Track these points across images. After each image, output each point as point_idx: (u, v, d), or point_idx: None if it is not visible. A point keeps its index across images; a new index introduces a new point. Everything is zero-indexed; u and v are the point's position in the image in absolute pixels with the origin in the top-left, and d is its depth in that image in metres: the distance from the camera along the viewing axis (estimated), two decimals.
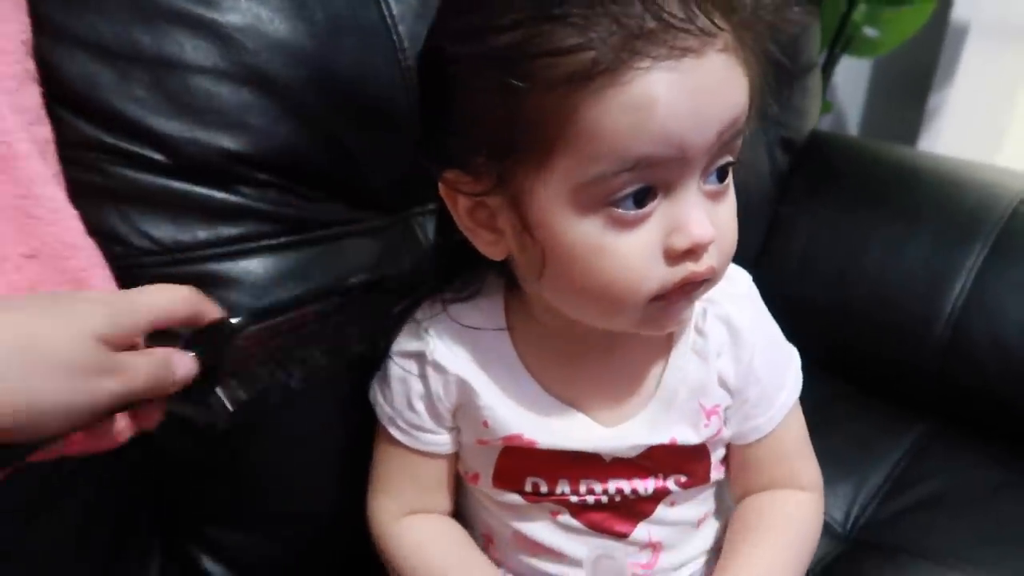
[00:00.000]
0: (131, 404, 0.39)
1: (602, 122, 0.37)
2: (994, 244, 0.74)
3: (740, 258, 0.55)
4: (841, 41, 1.19)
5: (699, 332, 0.50)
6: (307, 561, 0.62)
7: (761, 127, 0.88)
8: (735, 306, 0.50)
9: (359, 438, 0.57)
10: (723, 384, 0.51)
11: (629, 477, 0.50)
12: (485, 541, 0.56)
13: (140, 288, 0.41)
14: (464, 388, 0.50)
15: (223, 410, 0.43)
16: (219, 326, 0.43)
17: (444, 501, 0.56)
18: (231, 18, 0.54)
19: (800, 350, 0.56)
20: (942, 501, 0.68)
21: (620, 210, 0.40)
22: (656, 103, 0.37)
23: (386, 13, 0.60)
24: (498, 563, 0.56)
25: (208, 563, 0.60)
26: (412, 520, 0.55)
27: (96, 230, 0.52)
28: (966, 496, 0.68)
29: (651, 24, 0.36)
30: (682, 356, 0.50)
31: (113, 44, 0.52)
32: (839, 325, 0.79)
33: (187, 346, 0.42)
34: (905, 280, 0.77)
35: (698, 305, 0.49)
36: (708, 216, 0.41)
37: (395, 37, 0.60)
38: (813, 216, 0.86)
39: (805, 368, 0.55)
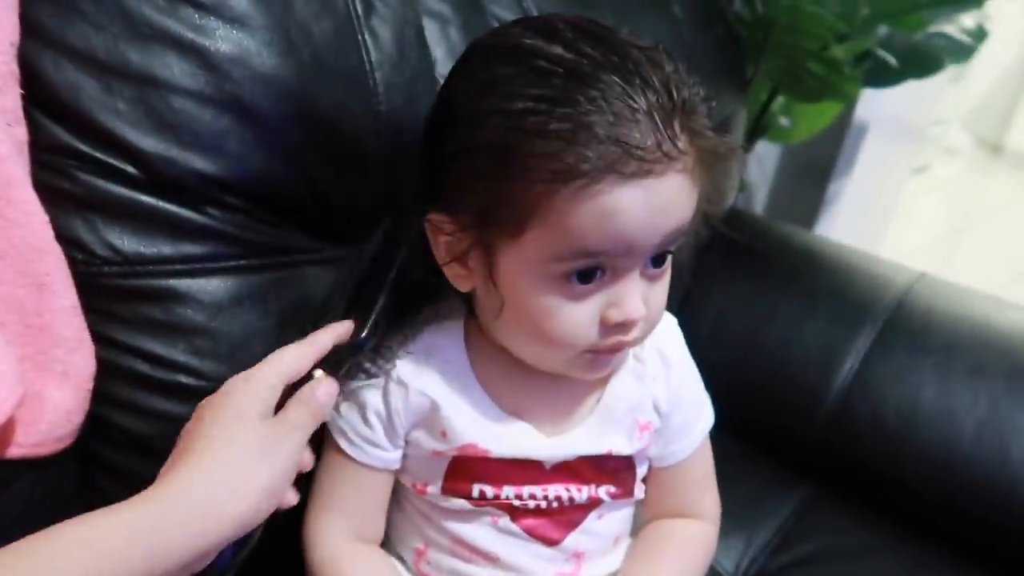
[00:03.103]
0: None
1: (570, 218, 0.44)
2: (880, 331, 0.83)
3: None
4: (759, 127, 1.30)
5: (637, 358, 0.57)
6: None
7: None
8: (667, 340, 0.58)
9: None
10: (656, 407, 0.57)
11: (567, 484, 0.56)
12: (416, 556, 0.59)
13: (268, 360, 0.51)
14: (425, 402, 0.54)
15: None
16: (348, 347, 0.53)
17: (381, 522, 0.59)
18: (222, 47, 0.56)
19: None
20: (820, 559, 0.76)
21: (571, 284, 0.47)
22: (618, 213, 0.44)
23: (366, 60, 0.63)
24: None
25: None
26: (356, 556, 0.57)
27: (60, 235, 0.53)
28: (841, 555, 0.76)
29: (621, 152, 0.43)
30: (622, 378, 0.57)
31: (102, 56, 0.53)
32: (742, 391, 0.86)
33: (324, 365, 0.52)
34: (802, 356, 0.85)
35: None
36: (643, 295, 0.48)
37: (372, 83, 0.63)
38: (724, 289, 0.93)
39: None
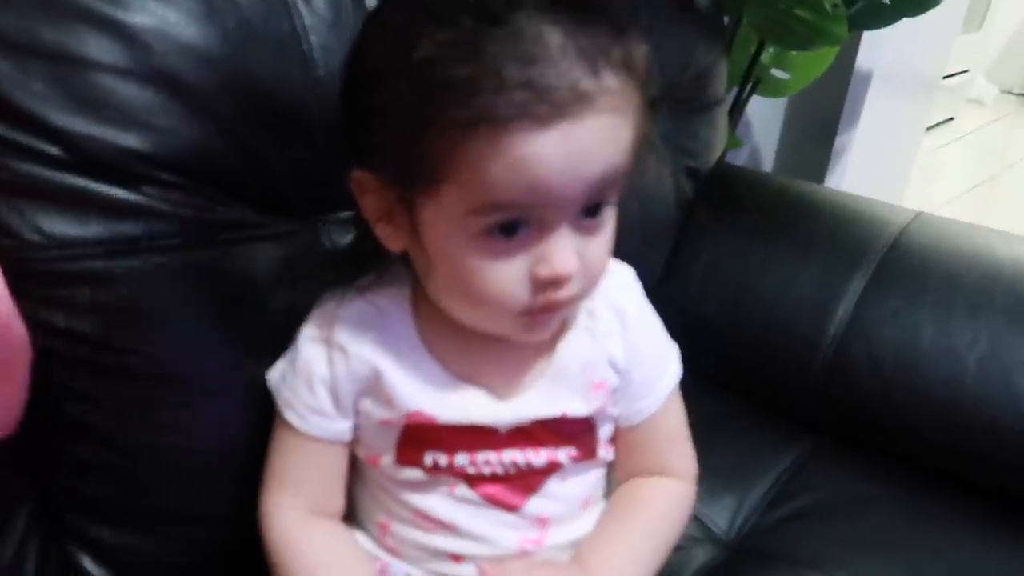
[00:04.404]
0: None
1: (482, 170, 0.42)
2: (874, 273, 0.79)
3: (644, 277, 0.60)
4: (751, 80, 1.25)
5: (590, 315, 0.55)
6: (198, 564, 0.61)
7: (666, 156, 0.92)
8: (622, 294, 0.56)
9: (258, 437, 0.58)
10: (612, 364, 0.55)
11: (523, 448, 0.54)
12: (380, 531, 0.57)
13: None
14: (368, 369, 0.52)
15: None
16: None
17: (339, 496, 0.57)
18: (138, 19, 0.54)
19: (697, 366, 0.61)
20: (818, 512, 0.72)
21: (494, 239, 0.44)
22: (530, 159, 0.41)
23: (298, 25, 0.61)
24: (394, 552, 0.57)
25: (88, 563, 0.58)
26: (313, 532, 0.55)
27: None
28: (840, 508, 0.72)
29: (531, 95, 0.40)
30: (574, 336, 0.54)
31: (13, 36, 0.51)
32: (733, 345, 0.83)
33: None
34: (795, 306, 0.81)
35: None
36: (577, 249, 0.46)
37: (306, 47, 0.61)
38: (715, 242, 0.90)
39: (701, 383, 0.59)
